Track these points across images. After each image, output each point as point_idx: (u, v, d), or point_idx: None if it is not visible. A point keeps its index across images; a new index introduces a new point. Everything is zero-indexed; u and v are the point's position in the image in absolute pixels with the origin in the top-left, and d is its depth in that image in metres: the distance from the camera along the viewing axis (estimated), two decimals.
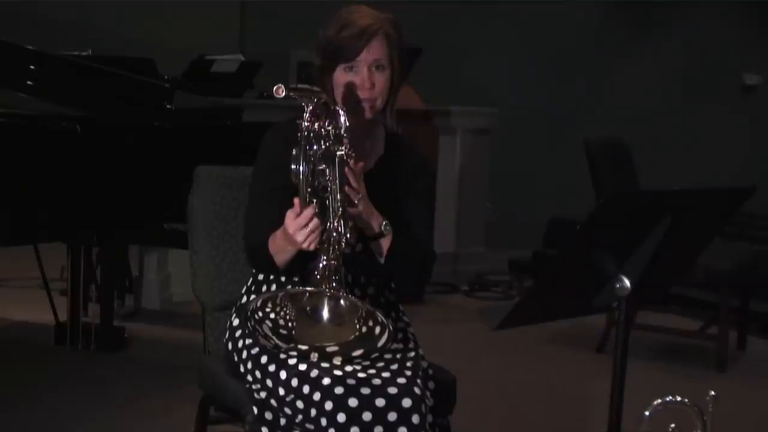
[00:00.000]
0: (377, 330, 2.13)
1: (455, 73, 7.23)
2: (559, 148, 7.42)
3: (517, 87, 7.57)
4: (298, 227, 2.13)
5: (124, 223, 3.93)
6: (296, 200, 2.14)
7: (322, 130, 2.17)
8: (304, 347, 2.16)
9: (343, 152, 2.16)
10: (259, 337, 2.16)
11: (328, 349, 2.17)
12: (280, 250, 2.25)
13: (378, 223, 2.27)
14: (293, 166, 2.13)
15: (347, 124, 2.18)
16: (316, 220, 2.12)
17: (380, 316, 2.12)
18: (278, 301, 2.15)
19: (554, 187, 7.40)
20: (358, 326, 2.14)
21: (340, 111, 2.20)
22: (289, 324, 2.16)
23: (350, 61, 2.32)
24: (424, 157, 2.51)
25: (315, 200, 2.15)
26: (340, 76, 2.34)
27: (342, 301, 2.12)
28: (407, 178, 2.43)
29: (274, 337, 2.15)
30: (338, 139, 2.17)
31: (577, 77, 7.88)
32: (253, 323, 2.14)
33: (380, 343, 2.14)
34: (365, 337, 2.15)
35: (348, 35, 2.31)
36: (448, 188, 6.26)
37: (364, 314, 2.13)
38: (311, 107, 2.17)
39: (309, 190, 2.14)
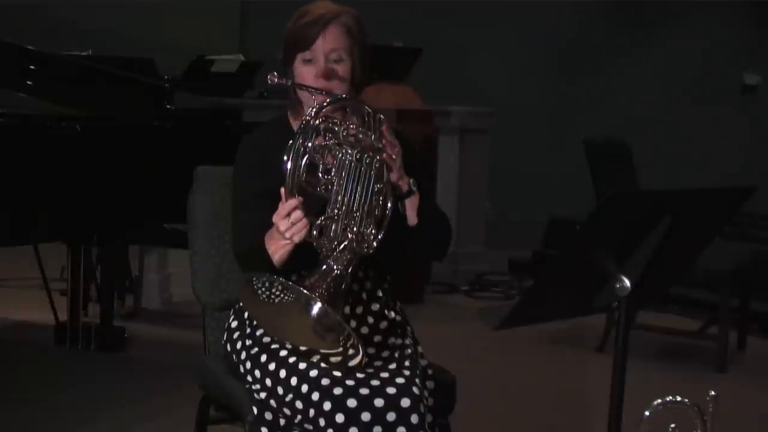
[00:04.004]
0: (350, 352, 2.09)
1: (455, 73, 7.23)
2: (559, 148, 7.42)
3: (517, 87, 7.57)
4: (280, 217, 2.11)
5: (124, 223, 3.93)
6: (282, 191, 2.10)
7: (329, 127, 2.14)
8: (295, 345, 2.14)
9: (352, 157, 2.13)
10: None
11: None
12: (274, 244, 2.19)
13: (406, 181, 2.25)
14: (285, 157, 2.10)
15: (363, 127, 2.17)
16: (298, 212, 2.08)
17: (360, 345, 2.07)
18: (278, 285, 2.11)
19: (554, 187, 7.41)
20: (340, 343, 2.09)
21: (379, 116, 2.19)
22: (285, 299, 2.11)
23: (306, 49, 2.31)
24: (405, 137, 2.45)
25: (301, 194, 2.10)
26: (299, 68, 2.33)
27: (328, 313, 2.05)
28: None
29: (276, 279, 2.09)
30: (350, 143, 2.14)
31: (577, 77, 7.88)
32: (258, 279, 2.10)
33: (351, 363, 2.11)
34: (340, 355, 2.11)
35: (304, 23, 2.32)
36: (448, 188, 6.26)
37: (345, 335, 2.07)
38: (318, 105, 2.15)
39: (295, 182, 2.10)
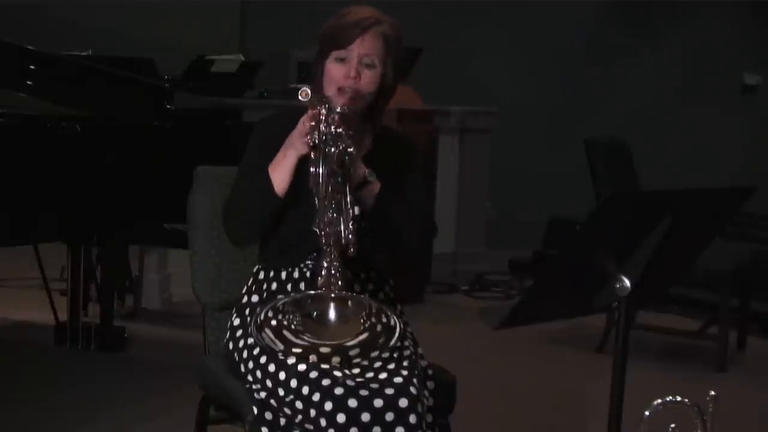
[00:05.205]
0: (389, 325, 2.12)
1: (455, 73, 7.23)
2: (559, 147, 7.42)
3: (518, 87, 7.57)
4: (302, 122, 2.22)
5: (124, 223, 3.93)
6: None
7: (336, 131, 2.19)
8: (315, 343, 2.15)
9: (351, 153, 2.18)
10: (264, 338, 2.14)
11: (323, 350, 2.16)
12: (276, 165, 2.28)
13: (362, 171, 2.29)
14: (312, 169, 2.16)
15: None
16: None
17: (390, 314, 2.12)
18: (281, 308, 2.13)
19: (554, 187, 7.41)
20: (367, 324, 2.12)
21: (344, 108, 2.23)
22: (294, 327, 2.13)
23: (342, 48, 2.34)
24: (411, 143, 2.53)
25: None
26: (331, 65, 2.37)
27: (349, 302, 2.11)
28: (398, 166, 2.44)
29: (277, 341, 2.12)
30: (349, 142, 2.19)
31: (577, 77, 7.88)
32: (255, 327, 2.12)
33: (392, 341, 2.13)
34: (377, 334, 2.13)
35: (344, 23, 2.36)
36: (448, 188, 6.26)
37: (374, 311, 2.12)
38: (337, 113, 2.20)
39: (328, 189, 2.16)
